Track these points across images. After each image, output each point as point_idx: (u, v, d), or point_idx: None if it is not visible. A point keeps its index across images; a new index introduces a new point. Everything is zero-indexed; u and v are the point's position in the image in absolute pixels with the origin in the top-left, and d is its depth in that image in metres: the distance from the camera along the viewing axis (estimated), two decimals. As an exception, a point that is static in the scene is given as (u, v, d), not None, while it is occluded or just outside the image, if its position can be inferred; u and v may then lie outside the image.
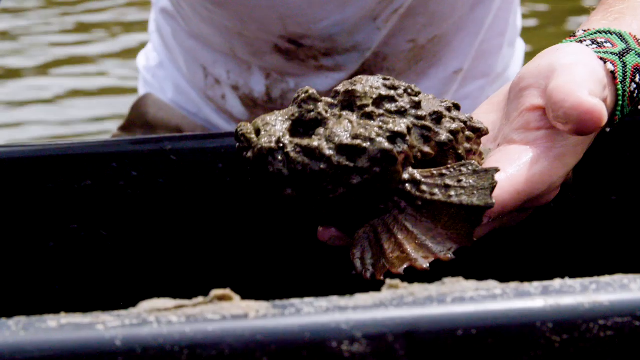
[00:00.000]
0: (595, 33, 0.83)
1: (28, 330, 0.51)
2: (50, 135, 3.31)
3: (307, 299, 0.53)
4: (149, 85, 1.51)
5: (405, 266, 0.68)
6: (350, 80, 0.75)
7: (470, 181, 0.70)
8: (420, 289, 0.53)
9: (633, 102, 0.82)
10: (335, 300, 0.52)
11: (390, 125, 0.71)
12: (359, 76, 0.76)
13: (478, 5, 1.33)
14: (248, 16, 1.25)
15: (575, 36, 0.84)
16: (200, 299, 0.53)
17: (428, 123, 0.73)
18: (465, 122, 0.76)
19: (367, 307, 0.52)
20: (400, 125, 0.71)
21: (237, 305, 0.52)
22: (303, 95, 0.72)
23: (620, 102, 0.80)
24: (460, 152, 0.74)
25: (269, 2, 1.22)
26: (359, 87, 0.74)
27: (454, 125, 0.74)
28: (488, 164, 0.75)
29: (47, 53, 4.14)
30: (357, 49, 1.27)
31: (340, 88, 0.74)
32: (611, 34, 0.83)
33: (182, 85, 1.46)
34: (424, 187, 0.70)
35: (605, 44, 0.81)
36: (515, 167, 0.73)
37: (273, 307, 0.52)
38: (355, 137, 0.70)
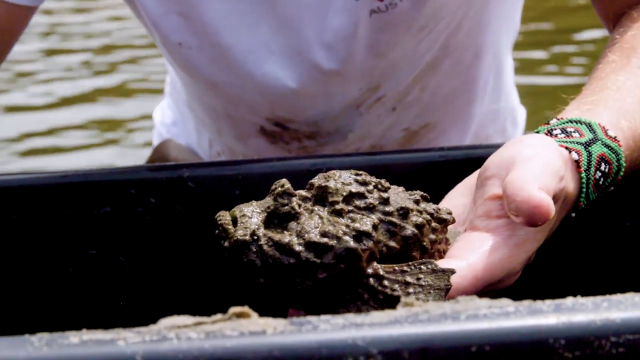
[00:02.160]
0: (567, 122, 0.87)
1: (51, 346, 0.52)
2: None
3: (323, 316, 0.54)
4: (163, 139, 1.56)
5: None
6: (324, 175, 0.79)
7: (428, 280, 0.74)
8: (434, 307, 0.54)
9: (599, 189, 0.86)
10: (351, 317, 0.53)
11: (357, 224, 0.75)
12: (333, 171, 0.80)
13: (474, 101, 1.37)
14: (238, 98, 1.28)
15: (548, 124, 0.88)
16: (218, 316, 0.54)
17: (394, 219, 0.77)
18: (432, 214, 0.80)
19: (383, 324, 0.53)
20: (367, 224, 0.75)
21: (255, 322, 0.53)
22: (279, 189, 0.76)
23: (584, 190, 0.83)
24: (425, 244, 0.78)
25: (259, 89, 1.25)
26: (331, 184, 0.77)
27: (420, 219, 0.78)
28: (452, 249, 0.80)
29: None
30: (339, 131, 1.31)
31: (315, 181, 0.78)
32: (581, 123, 0.87)
33: (192, 145, 1.50)
34: (386, 282, 0.74)
35: (573, 134, 0.85)
36: (475, 255, 0.77)
37: (290, 324, 0.53)
38: (323, 234, 0.74)
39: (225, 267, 0.76)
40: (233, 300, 1.01)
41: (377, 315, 0.53)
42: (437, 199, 0.83)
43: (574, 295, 0.58)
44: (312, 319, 0.53)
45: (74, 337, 0.52)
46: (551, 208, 0.75)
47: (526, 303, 0.54)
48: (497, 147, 1.05)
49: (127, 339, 0.52)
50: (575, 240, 0.86)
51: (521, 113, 1.52)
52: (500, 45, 1.37)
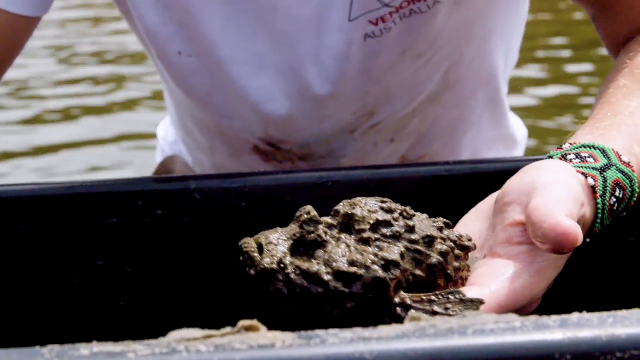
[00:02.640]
0: (580, 147, 0.87)
1: (61, 358, 0.52)
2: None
3: (332, 330, 0.54)
4: (166, 155, 1.57)
5: None
6: (350, 202, 0.79)
7: (457, 310, 0.74)
8: (442, 322, 0.55)
9: (613, 214, 0.86)
10: (359, 331, 0.54)
11: (386, 254, 0.75)
12: (359, 198, 0.80)
13: (470, 131, 1.37)
14: (232, 115, 1.28)
15: (562, 149, 0.88)
16: (228, 329, 0.54)
17: (420, 247, 0.77)
18: (455, 242, 0.80)
19: (390, 338, 0.53)
20: (394, 252, 0.75)
21: (264, 335, 0.54)
22: (305, 216, 0.76)
23: (600, 215, 0.84)
24: (449, 271, 0.78)
25: (252, 105, 1.25)
26: (357, 211, 0.77)
27: (445, 247, 0.78)
28: (474, 276, 0.80)
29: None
30: (332, 155, 1.31)
31: (340, 209, 0.78)
32: (595, 149, 0.87)
33: (191, 164, 1.51)
34: (413, 312, 0.74)
35: (588, 159, 0.86)
36: (498, 283, 0.77)
37: (299, 338, 0.53)
38: (352, 263, 0.74)
39: (250, 294, 0.76)
40: (242, 310, 1.01)
41: (384, 330, 0.54)
42: (442, 214, 0.83)
43: (580, 310, 0.58)
44: (321, 332, 0.54)
45: (84, 350, 0.53)
46: (579, 235, 0.75)
47: (532, 318, 0.54)
48: (502, 162, 1.05)
49: (137, 351, 0.53)
50: (580, 256, 0.86)
51: (520, 134, 1.53)
52: (498, 76, 1.37)
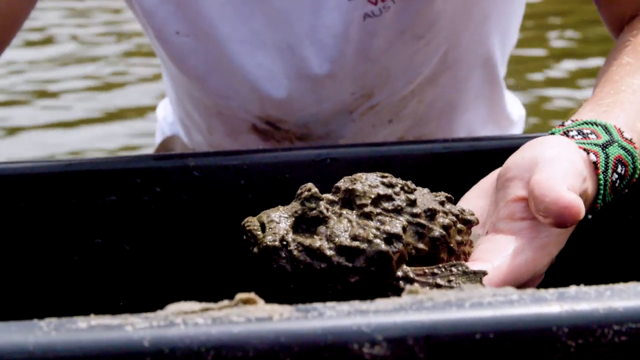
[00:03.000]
0: (582, 124, 0.87)
1: (59, 331, 0.52)
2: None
3: (329, 303, 0.54)
4: (165, 136, 1.56)
5: None
6: (350, 178, 0.79)
7: (460, 282, 0.75)
8: (439, 295, 0.55)
9: (615, 192, 0.86)
10: (356, 304, 0.54)
11: (387, 227, 0.75)
12: (359, 174, 0.80)
13: (467, 111, 1.37)
14: (229, 93, 1.28)
15: (563, 125, 0.88)
16: (225, 302, 0.54)
17: (422, 220, 0.77)
18: (457, 216, 0.80)
19: (388, 311, 0.53)
20: (396, 226, 0.75)
21: (262, 308, 0.54)
22: (306, 193, 0.77)
23: (602, 192, 0.84)
24: (452, 245, 0.79)
25: (250, 83, 1.25)
26: (358, 187, 0.78)
27: (447, 220, 0.78)
28: (477, 252, 0.80)
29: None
30: (330, 136, 1.31)
31: (341, 185, 0.79)
32: (597, 125, 0.87)
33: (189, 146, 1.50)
34: (417, 285, 0.75)
35: (590, 135, 0.85)
36: (501, 258, 0.77)
37: (296, 311, 0.53)
38: (354, 238, 0.74)
39: (253, 272, 0.77)
40: (239, 287, 1.02)
41: (382, 303, 0.54)
42: (442, 190, 0.83)
43: (578, 285, 0.58)
44: (318, 305, 0.54)
45: (82, 322, 0.53)
46: (581, 208, 0.76)
47: (530, 291, 0.55)
48: (501, 139, 1.05)
49: (135, 324, 0.53)
50: (579, 234, 0.86)
51: (516, 112, 1.52)
52: (495, 57, 1.37)
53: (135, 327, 0.52)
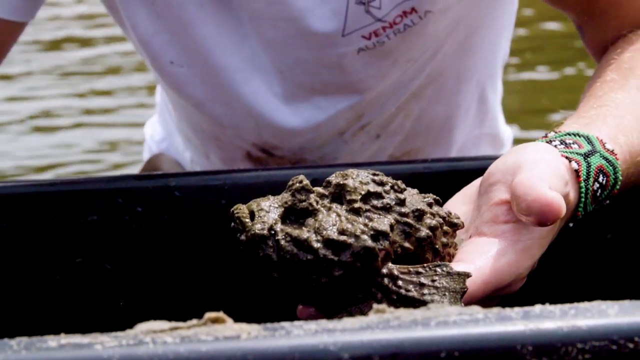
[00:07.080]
0: (565, 135, 0.88)
1: (29, 350, 0.53)
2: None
3: (297, 322, 0.55)
4: (152, 154, 1.57)
5: None
6: (342, 173, 0.80)
7: (444, 282, 0.75)
8: (405, 313, 0.55)
9: (596, 201, 0.87)
10: (323, 323, 0.55)
11: (375, 224, 0.76)
12: (351, 170, 0.80)
13: (456, 128, 1.38)
14: (226, 120, 1.29)
15: (546, 137, 0.89)
16: (194, 321, 0.55)
17: (410, 220, 0.78)
18: (444, 218, 0.81)
19: (354, 329, 0.54)
20: (384, 223, 0.76)
21: (230, 327, 0.54)
22: (297, 184, 0.77)
23: (583, 200, 0.84)
24: (437, 246, 0.79)
25: (246, 109, 1.26)
26: (349, 182, 0.78)
27: (434, 222, 0.79)
28: (460, 254, 0.81)
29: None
30: (323, 159, 1.32)
31: (332, 179, 0.79)
32: (579, 136, 0.88)
33: (180, 161, 1.51)
34: (400, 283, 0.76)
35: (572, 145, 0.86)
36: (483, 260, 0.78)
37: (264, 329, 0.54)
38: (341, 232, 0.74)
39: (240, 260, 0.77)
40: (217, 306, 1.02)
41: (348, 322, 0.54)
42: None
43: (552, 303, 0.59)
44: (286, 324, 0.54)
45: (52, 341, 0.53)
46: (562, 206, 0.77)
47: (495, 310, 0.55)
48: (480, 159, 1.06)
49: (104, 343, 0.53)
50: (558, 250, 0.87)
51: (507, 136, 1.53)
52: (484, 71, 1.38)
53: (105, 345, 0.53)
